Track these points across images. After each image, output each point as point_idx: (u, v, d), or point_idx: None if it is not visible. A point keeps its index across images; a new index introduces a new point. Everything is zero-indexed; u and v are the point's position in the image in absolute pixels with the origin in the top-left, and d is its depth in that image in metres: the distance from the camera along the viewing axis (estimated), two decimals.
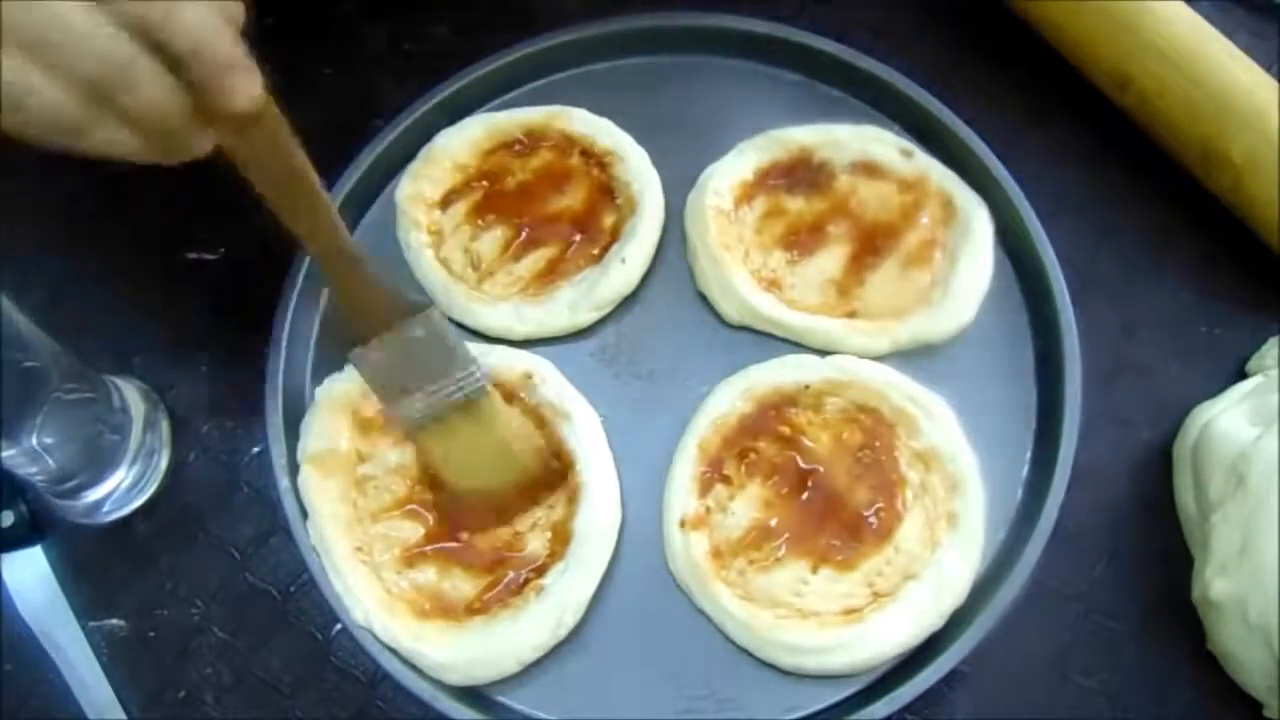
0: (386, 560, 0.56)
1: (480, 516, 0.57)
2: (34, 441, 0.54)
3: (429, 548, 0.56)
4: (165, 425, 0.63)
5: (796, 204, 0.63)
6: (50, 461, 0.56)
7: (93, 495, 0.60)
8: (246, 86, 0.37)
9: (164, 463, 0.62)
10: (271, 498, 0.58)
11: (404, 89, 0.66)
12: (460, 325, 0.62)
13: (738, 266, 0.61)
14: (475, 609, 0.55)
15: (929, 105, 0.65)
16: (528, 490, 0.57)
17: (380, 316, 0.51)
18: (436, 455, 0.56)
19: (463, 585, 0.56)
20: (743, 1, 0.68)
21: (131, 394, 0.61)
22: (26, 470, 0.56)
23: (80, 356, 0.58)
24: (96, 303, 0.66)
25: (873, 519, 0.56)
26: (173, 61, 0.35)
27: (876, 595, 0.54)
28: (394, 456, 0.58)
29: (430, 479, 0.57)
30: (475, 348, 0.60)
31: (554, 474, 0.57)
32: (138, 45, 0.35)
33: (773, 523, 0.56)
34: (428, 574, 0.56)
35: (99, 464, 0.59)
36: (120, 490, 0.60)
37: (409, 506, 0.57)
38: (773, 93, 0.67)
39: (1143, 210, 0.67)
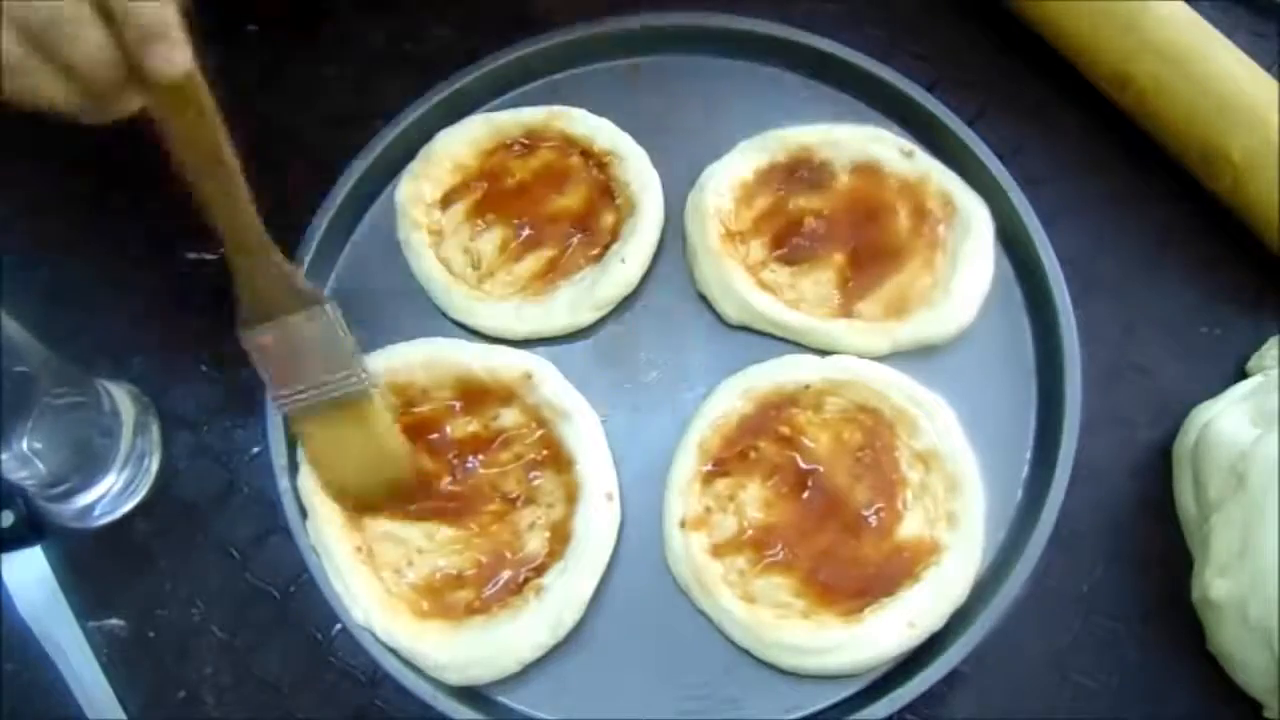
0: (386, 559, 0.56)
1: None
2: (24, 446, 0.54)
3: (430, 545, 0.57)
4: (156, 428, 0.63)
5: (796, 204, 0.63)
6: (40, 466, 0.55)
7: (83, 499, 0.60)
8: (172, 55, 0.40)
9: (154, 466, 0.62)
10: (271, 498, 0.58)
11: (404, 89, 0.66)
12: (460, 325, 0.62)
13: (738, 266, 0.61)
14: (475, 609, 0.55)
15: (929, 105, 0.65)
16: (395, 496, 0.57)
17: (277, 303, 0.53)
18: (311, 447, 0.56)
19: (462, 585, 0.56)
20: (743, 1, 0.68)
21: (122, 397, 0.61)
22: (17, 475, 0.56)
23: (78, 358, 0.58)
24: (96, 303, 0.66)
25: (873, 519, 0.56)
26: (110, 22, 0.38)
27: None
28: None
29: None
30: (476, 347, 0.60)
31: (419, 486, 0.57)
32: (84, 1, 0.38)
33: (773, 522, 0.56)
34: (427, 573, 0.56)
35: (89, 468, 0.59)
36: (111, 494, 0.60)
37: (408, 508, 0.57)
38: (773, 93, 0.67)
39: (1143, 210, 0.67)
